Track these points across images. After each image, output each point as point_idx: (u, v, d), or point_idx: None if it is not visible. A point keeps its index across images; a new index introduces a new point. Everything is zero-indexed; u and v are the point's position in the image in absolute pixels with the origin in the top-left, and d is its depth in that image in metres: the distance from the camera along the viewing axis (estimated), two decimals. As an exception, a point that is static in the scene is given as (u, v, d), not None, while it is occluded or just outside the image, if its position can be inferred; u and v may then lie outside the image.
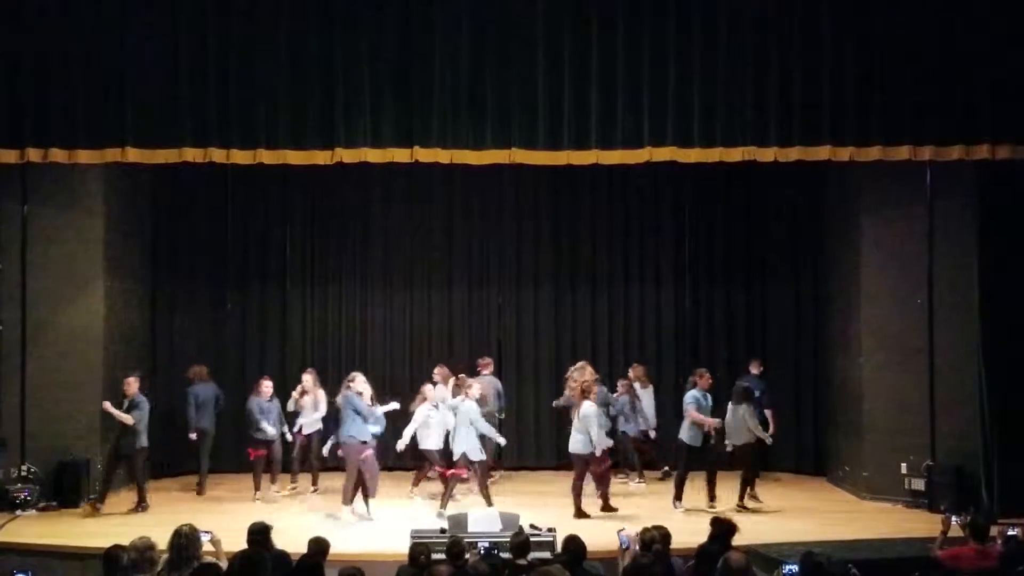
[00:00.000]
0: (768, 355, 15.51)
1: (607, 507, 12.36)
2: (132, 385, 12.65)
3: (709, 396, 13.01)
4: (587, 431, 12.18)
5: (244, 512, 11.84)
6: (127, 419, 12.42)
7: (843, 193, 14.27)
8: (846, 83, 11.37)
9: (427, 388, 13.36)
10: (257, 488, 13.48)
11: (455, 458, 12.40)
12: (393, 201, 16.16)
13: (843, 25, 11.40)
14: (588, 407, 12.29)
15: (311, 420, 13.98)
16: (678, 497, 12.67)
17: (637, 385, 14.64)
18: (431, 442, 12.94)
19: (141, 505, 12.64)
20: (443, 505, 12.28)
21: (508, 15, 11.48)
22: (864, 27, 11.39)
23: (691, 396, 12.90)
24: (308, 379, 14.16)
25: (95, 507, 12.41)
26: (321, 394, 14.06)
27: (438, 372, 14.25)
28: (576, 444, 12.29)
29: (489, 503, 12.11)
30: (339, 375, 15.62)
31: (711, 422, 12.76)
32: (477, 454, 12.30)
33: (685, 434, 12.85)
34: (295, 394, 14.14)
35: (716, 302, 16.23)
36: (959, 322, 12.69)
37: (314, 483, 14.00)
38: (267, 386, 13.77)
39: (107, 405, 12.53)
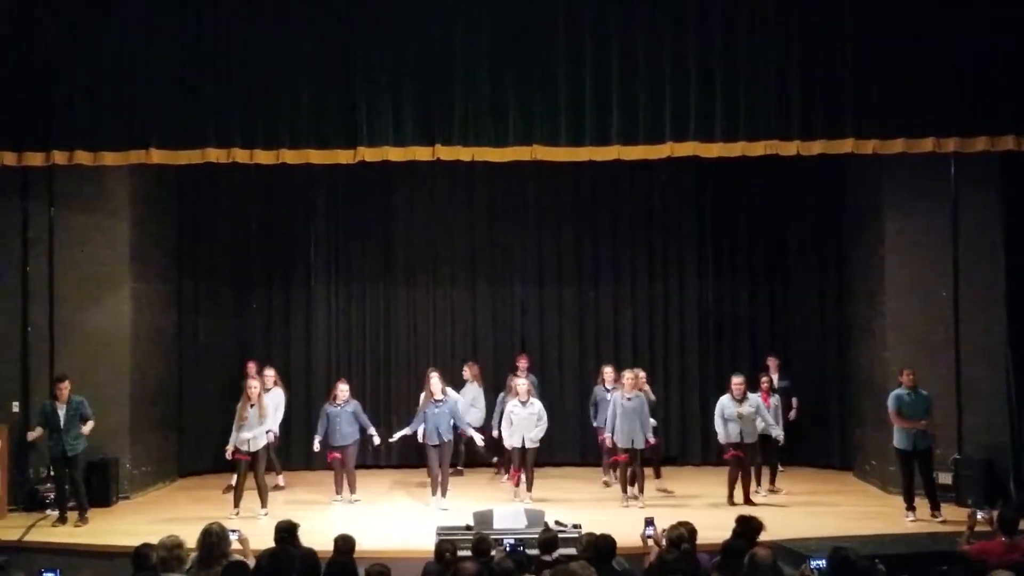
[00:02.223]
0: (792, 349, 15.47)
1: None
2: (66, 389, 12.09)
3: (915, 394, 11.99)
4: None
5: (271, 513, 11.94)
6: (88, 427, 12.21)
7: (867, 186, 14.20)
8: (869, 76, 11.33)
9: (517, 382, 13.38)
10: (337, 490, 13.15)
11: (621, 444, 12.64)
12: (416, 200, 16.17)
13: (866, 18, 11.35)
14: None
15: (260, 433, 12.33)
16: (911, 507, 11.93)
17: (475, 384, 14.71)
18: (511, 440, 13.09)
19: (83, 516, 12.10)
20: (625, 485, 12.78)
21: (528, 12, 11.50)
22: (887, 19, 11.34)
23: (891, 397, 12.12)
24: (256, 386, 12.63)
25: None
26: (269, 400, 12.82)
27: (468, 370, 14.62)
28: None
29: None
30: (363, 374, 15.74)
31: (916, 424, 11.91)
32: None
33: (895, 438, 12.11)
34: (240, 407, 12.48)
35: (739, 297, 16.16)
36: (985, 315, 12.63)
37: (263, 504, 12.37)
38: (342, 390, 13.23)
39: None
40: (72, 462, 12.06)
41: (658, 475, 13.83)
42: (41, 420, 12.18)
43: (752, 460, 12.90)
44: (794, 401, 14.50)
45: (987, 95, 11.26)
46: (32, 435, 12.24)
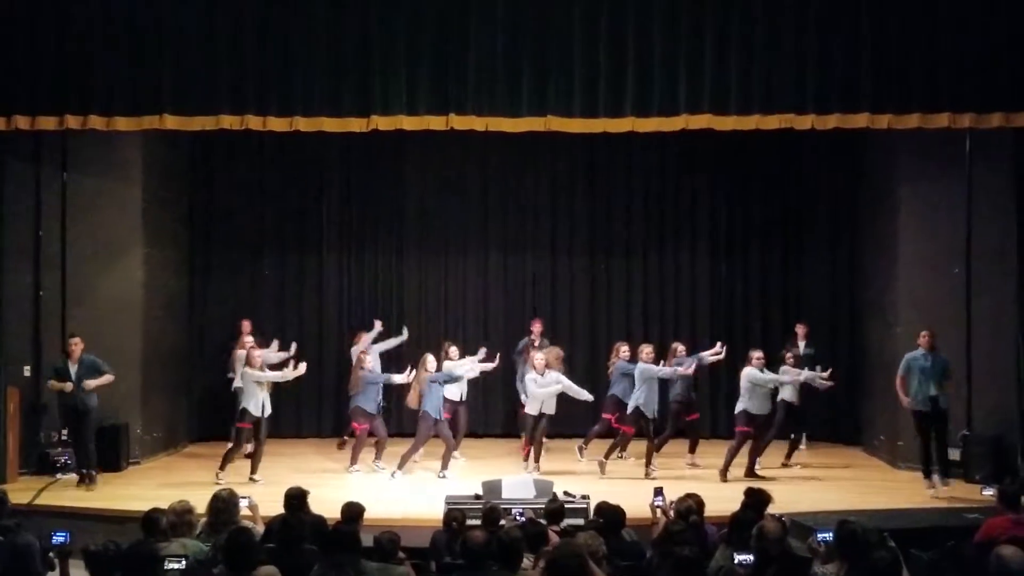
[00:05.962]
0: (803, 323, 15.44)
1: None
2: (78, 347, 12.15)
3: (931, 356, 11.71)
4: None
5: (282, 480, 11.97)
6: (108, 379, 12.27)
7: (881, 160, 14.15)
8: (885, 50, 11.26)
9: (537, 356, 13.35)
10: (352, 461, 13.11)
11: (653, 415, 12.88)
12: (428, 170, 16.16)
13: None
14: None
15: (265, 398, 12.63)
16: (929, 473, 11.78)
17: None
18: (529, 408, 13.25)
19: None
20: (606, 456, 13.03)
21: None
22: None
23: (904, 359, 11.95)
24: (259, 354, 12.82)
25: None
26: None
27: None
28: None
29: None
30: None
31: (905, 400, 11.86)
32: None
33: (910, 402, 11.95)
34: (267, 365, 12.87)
35: (752, 270, 16.17)
36: (997, 291, 12.60)
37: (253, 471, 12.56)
38: (368, 360, 13.33)
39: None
40: (84, 418, 12.07)
41: (692, 450, 13.72)
42: (54, 376, 12.22)
43: (764, 434, 12.85)
44: (819, 369, 14.18)
45: (1003, 71, 11.18)
46: (56, 384, 12.14)
